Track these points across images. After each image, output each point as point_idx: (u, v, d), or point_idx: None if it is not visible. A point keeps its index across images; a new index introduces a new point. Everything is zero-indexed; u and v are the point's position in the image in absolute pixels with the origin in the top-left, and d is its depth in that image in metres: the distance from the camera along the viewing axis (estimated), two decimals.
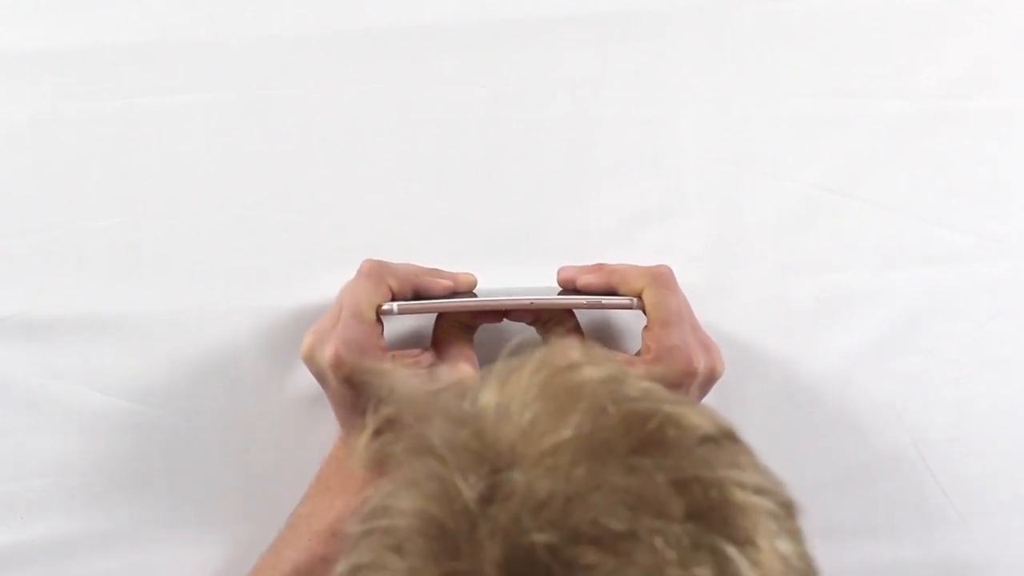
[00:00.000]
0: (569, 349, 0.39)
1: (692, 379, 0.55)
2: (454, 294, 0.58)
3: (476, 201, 0.65)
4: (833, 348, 0.65)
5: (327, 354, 0.54)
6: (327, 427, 0.61)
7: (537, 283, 0.60)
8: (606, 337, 0.63)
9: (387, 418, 0.38)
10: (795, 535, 0.36)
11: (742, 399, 0.64)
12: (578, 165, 0.65)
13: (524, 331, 0.60)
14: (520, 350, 0.39)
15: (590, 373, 0.37)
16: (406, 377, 0.55)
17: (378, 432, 0.38)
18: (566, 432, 0.35)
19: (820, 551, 0.68)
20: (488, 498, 0.34)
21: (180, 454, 0.64)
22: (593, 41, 0.65)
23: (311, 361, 0.56)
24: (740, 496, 0.35)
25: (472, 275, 0.60)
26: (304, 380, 0.62)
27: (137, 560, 0.63)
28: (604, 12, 0.65)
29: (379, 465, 0.38)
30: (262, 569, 0.58)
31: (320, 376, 0.57)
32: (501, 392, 0.37)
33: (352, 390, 0.55)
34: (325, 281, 0.61)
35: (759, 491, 0.35)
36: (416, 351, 0.57)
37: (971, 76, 0.66)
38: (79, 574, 0.63)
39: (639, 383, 0.38)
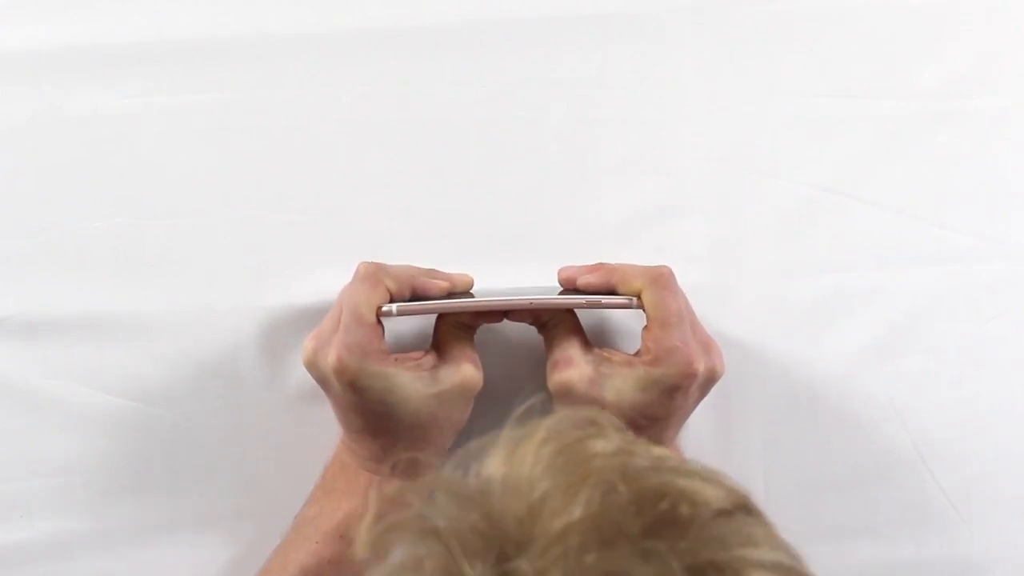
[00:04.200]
0: (578, 417, 0.38)
1: (692, 380, 0.55)
2: (451, 295, 0.58)
3: (476, 201, 0.65)
4: (833, 348, 0.65)
5: (330, 360, 0.54)
6: (327, 427, 0.61)
7: (537, 283, 0.60)
8: (606, 338, 0.63)
9: (390, 497, 0.37)
10: None
11: (742, 399, 0.65)
12: (578, 165, 0.65)
13: (526, 334, 0.60)
14: (527, 417, 0.38)
15: (600, 446, 0.36)
16: (409, 380, 0.55)
17: (379, 514, 0.37)
18: (575, 512, 0.34)
19: (820, 551, 0.69)
20: None
21: (180, 454, 0.64)
22: (593, 41, 0.66)
23: (314, 367, 0.56)
24: None
25: (469, 276, 0.59)
26: (304, 380, 0.62)
27: (137, 560, 0.63)
28: (604, 12, 0.66)
29: (383, 548, 0.36)
30: (270, 571, 0.58)
31: (323, 382, 0.56)
32: (508, 463, 0.36)
33: (356, 394, 0.54)
34: (325, 281, 0.61)
35: (776, 568, 0.34)
36: (418, 353, 0.57)
37: (971, 76, 0.66)
38: (79, 574, 0.63)
39: (650, 451, 0.37)
